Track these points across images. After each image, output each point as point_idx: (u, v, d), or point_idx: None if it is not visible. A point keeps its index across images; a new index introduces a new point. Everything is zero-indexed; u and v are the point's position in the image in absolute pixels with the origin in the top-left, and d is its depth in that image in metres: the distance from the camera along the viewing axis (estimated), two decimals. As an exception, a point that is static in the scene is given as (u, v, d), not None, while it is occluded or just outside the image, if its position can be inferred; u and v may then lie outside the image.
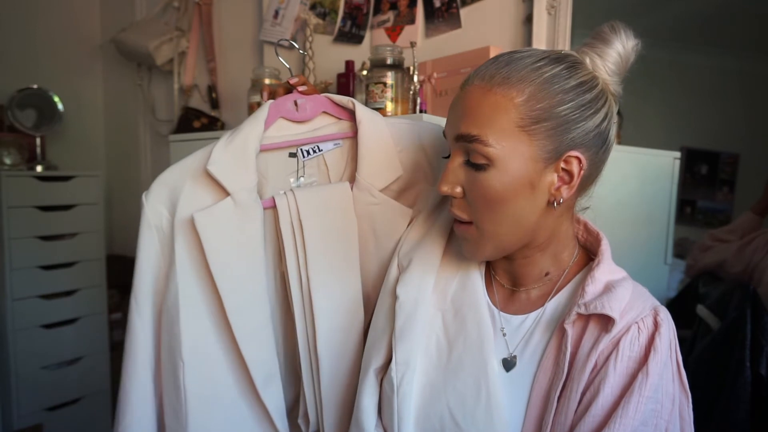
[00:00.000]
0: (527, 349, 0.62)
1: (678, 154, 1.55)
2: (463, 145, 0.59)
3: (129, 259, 2.49)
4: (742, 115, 3.25)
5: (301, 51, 0.89)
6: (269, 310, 0.73)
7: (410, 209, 0.75)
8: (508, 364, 0.62)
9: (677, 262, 2.33)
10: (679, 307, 1.54)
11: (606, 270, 0.61)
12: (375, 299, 0.74)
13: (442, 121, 1.05)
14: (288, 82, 0.80)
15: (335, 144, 0.80)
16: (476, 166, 0.57)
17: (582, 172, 0.58)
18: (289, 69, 0.83)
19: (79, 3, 2.45)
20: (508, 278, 0.69)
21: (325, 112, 0.82)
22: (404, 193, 0.78)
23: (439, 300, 0.68)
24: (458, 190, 0.60)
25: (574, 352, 0.57)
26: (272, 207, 0.74)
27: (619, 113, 1.69)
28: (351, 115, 0.80)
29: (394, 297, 0.68)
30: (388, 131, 0.78)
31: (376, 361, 0.67)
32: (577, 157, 0.58)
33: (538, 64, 0.57)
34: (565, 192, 0.59)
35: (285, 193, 0.73)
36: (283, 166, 0.79)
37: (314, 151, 0.79)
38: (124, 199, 2.54)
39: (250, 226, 0.70)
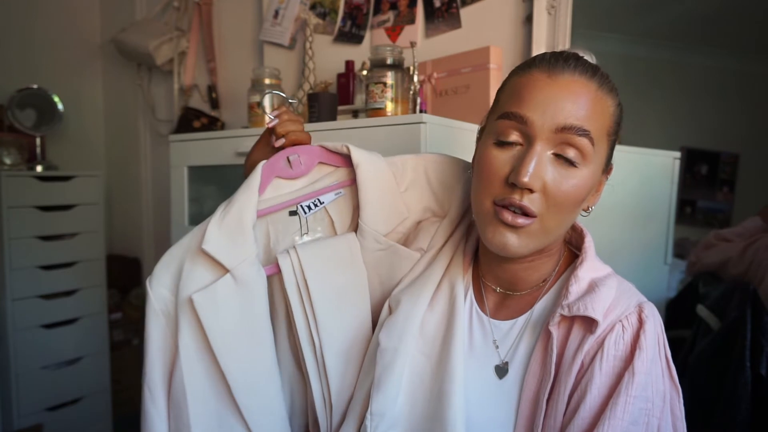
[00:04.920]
0: (517, 354, 0.61)
1: (678, 154, 1.55)
2: (564, 137, 0.55)
3: (129, 259, 2.49)
4: (742, 115, 3.25)
5: (291, 101, 0.83)
6: (279, 382, 0.71)
7: (417, 253, 0.72)
8: (501, 371, 0.62)
9: (677, 262, 2.33)
10: (679, 307, 1.54)
11: (590, 267, 0.61)
12: None
13: (442, 121, 1.06)
14: (267, 127, 0.77)
15: (336, 194, 0.78)
16: (570, 162, 0.56)
17: (607, 180, 0.64)
18: (268, 115, 0.78)
19: (79, 3, 2.45)
20: (501, 284, 0.67)
21: (321, 162, 0.78)
22: (412, 232, 0.75)
23: (426, 345, 0.65)
24: (539, 183, 0.55)
25: (561, 353, 0.57)
26: (278, 272, 0.72)
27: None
28: (348, 160, 0.76)
29: (378, 342, 0.65)
30: (389, 171, 0.74)
31: (357, 406, 0.65)
32: (611, 167, 0.63)
33: (610, 81, 0.60)
34: (596, 199, 0.63)
35: (288, 251, 0.71)
36: (287, 226, 0.76)
37: (315, 205, 0.76)
38: (124, 199, 2.54)
39: (253, 300, 0.69)
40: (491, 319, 0.65)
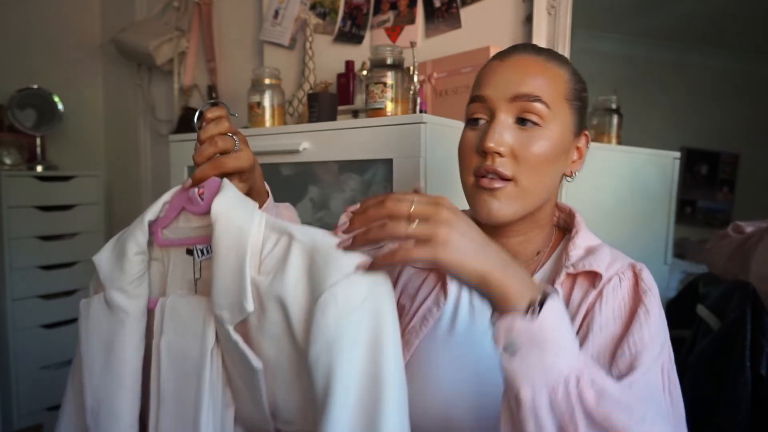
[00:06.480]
0: None
1: (678, 154, 1.55)
2: (520, 105, 0.62)
3: (129, 259, 2.49)
4: (742, 115, 3.25)
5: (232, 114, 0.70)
6: (133, 410, 0.65)
7: (259, 362, 0.56)
8: None
9: (677, 262, 2.33)
10: (679, 307, 1.54)
11: (584, 237, 0.68)
12: None
13: (442, 121, 1.05)
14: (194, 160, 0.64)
15: None
16: (528, 123, 0.62)
17: (587, 149, 0.69)
18: (195, 125, 0.66)
19: (79, 3, 2.45)
20: None
21: None
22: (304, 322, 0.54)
23: None
24: (505, 148, 0.62)
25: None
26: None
27: (619, 113, 1.68)
28: None
29: None
30: (253, 240, 0.56)
31: None
32: (587, 136, 0.69)
33: (563, 57, 0.68)
34: (578, 166, 0.69)
35: (165, 299, 0.65)
36: (185, 264, 0.67)
37: (208, 252, 0.63)
38: (124, 199, 2.54)
39: (119, 328, 0.64)
40: None
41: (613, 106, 1.49)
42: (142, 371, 0.64)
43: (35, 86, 2.14)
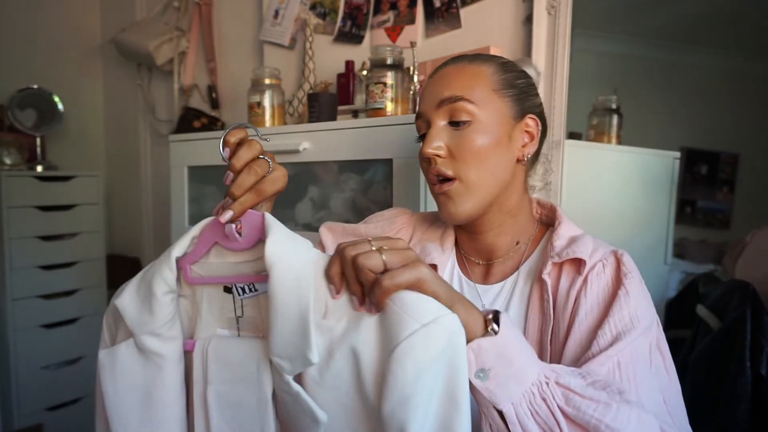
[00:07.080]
0: (510, 310, 0.68)
1: (678, 154, 1.55)
2: (447, 108, 0.67)
3: (129, 259, 2.49)
4: (742, 115, 3.25)
5: (263, 138, 0.65)
6: None
7: (324, 414, 0.52)
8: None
9: (677, 262, 2.33)
10: (679, 307, 1.54)
11: (567, 228, 0.70)
12: None
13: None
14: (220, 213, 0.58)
15: None
16: (460, 123, 0.67)
17: (539, 131, 0.72)
18: (222, 154, 0.59)
19: (79, 3, 2.45)
20: (481, 255, 0.75)
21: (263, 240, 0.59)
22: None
23: None
24: (443, 150, 0.67)
25: (555, 297, 0.64)
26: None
27: (619, 113, 1.68)
28: None
29: None
30: (311, 287, 0.52)
31: None
32: (534, 119, 0.71)
33: (490, 55, 0.72)
34: (530, 149, 0.71)
35: (204, 341, 0.61)
36: (222, 302, 0.62)
37: (251, 290, 0.60)
38: (124, 199, 2.54)
39: (156, 374, 0.60)
40: (481, 285, 0.72)
41: (613, 106, 1.49)
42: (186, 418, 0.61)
43: (35, 86, 2.13)
